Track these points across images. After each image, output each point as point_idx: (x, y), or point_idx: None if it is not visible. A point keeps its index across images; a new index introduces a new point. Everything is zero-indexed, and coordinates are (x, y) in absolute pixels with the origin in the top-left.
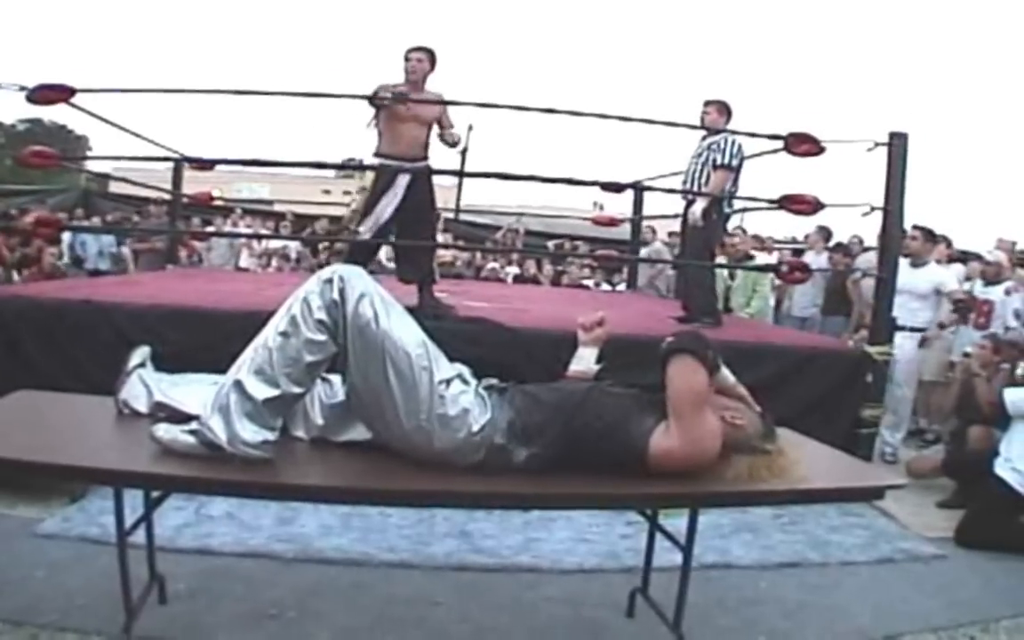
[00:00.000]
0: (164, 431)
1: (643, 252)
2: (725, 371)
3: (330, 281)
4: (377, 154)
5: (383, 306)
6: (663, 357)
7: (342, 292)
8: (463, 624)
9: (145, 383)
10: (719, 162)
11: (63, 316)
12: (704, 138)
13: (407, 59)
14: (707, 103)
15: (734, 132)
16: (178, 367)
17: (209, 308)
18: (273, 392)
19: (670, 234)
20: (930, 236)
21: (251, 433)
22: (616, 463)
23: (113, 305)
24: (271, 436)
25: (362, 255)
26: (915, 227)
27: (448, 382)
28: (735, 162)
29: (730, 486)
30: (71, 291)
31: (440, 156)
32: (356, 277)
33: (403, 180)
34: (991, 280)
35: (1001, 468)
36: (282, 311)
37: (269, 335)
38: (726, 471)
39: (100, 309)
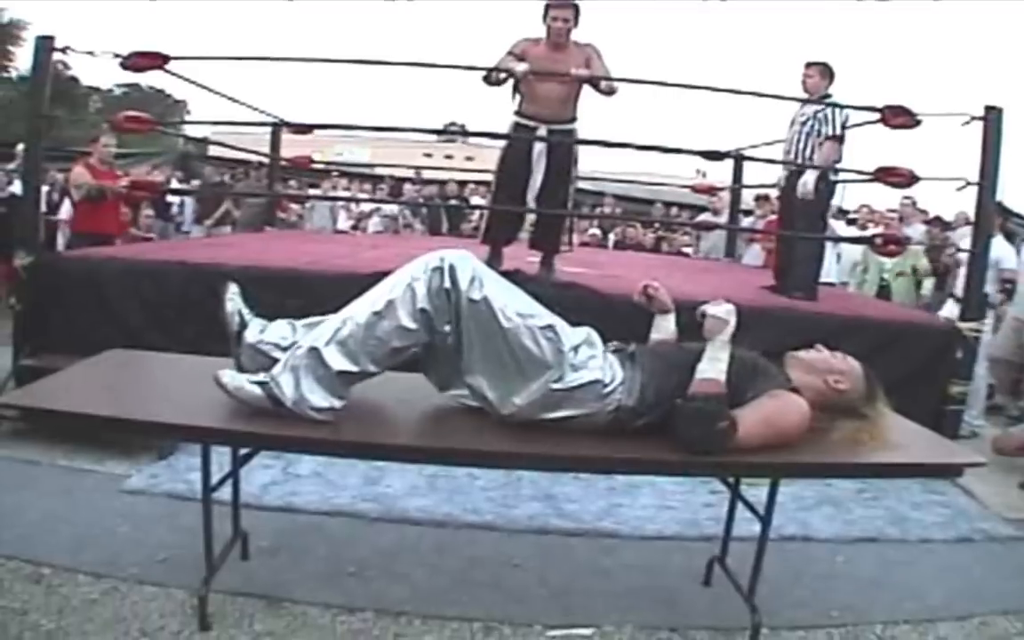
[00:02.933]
0: (229, 378)
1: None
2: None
3: (439, 269)
4: (517, 114)
5: (495, 286)
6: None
7: (453, 280)
8: (541, 588)
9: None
10: (828, 133)
11: (157, 277)
12: (805, 104)
13: (553, 19)
14: (809, 65)
15: (835, 104)
16: None
17: (303, 270)
18: (351, 367)
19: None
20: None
21: (319, 398)
22: None
23: (207, 266)
24: (338, 404)
25: (500, 224)
26: None
27: (576, 349)
28: (844, 132)
29: (831, 450)
30: (167, 252)
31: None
32: (465, 262)
33: (538, 147)
34: None
35: None
36: (382, 290)
37: (361, 310)
38: (831, 433)
39: (195, 270)
